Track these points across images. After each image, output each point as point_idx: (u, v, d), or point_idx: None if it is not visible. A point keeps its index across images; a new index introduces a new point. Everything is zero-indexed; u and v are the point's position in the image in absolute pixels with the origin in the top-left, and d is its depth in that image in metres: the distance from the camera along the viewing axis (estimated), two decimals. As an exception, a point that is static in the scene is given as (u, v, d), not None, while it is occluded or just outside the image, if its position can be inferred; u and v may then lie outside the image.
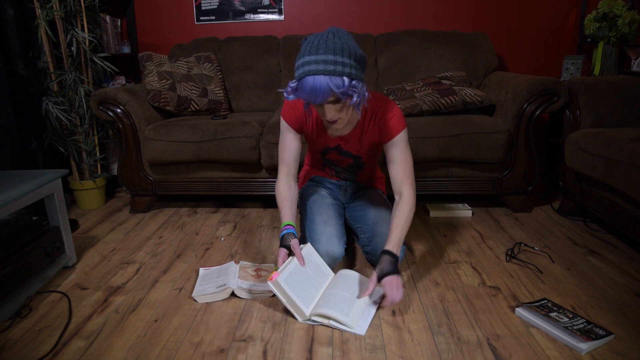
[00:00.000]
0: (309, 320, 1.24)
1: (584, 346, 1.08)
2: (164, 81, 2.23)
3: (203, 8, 2.74)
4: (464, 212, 2.04)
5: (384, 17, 2.67)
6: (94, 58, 2.17)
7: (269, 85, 2.53)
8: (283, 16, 2.72)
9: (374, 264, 1.53)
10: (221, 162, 2.06)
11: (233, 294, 1.38)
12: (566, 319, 1.19)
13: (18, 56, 2.01)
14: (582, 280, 1.44)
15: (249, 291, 1.38)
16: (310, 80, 1.13)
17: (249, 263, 1.57)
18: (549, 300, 1.29)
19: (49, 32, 2.04)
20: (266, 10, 2.72)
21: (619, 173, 1.49)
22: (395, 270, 1.26)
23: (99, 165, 2.33)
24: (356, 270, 1.53)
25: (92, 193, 2.27)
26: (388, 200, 1.67)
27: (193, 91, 2.30)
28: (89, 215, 2.18)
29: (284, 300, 1.24)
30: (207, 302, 1.35)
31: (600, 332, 1.14)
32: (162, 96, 2.19)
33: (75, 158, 2.24)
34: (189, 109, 2.28)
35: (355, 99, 1.18)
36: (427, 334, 1.17)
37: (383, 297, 1.30)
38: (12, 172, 1.54)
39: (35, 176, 1.47)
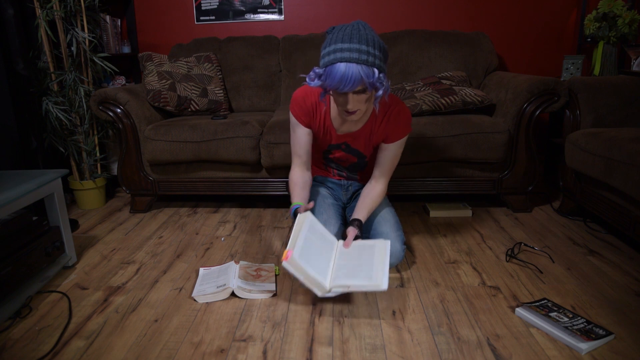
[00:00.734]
0: (328, 292, 1.22)
1: (584, 346, 1.08)
2: (164, 81, 2.23)
3: (203, 8, 2.74)
4: (464, 212, 2.04)
5: (384, 16, 2.67)
6: (94, 58, 2.17)
7: (269, 85, 2.53)
8: (283, 16, 2.72)
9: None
10: (221, 162, 2.06)
11: (233, 294, 1.38)
12: (566, 319, 1.19)
13: (18, 56, 2.01)
14: (582, 280, 1.44)
15: (249, 291, 1.38)
16: (342, 66, 1.15)
17: (249, 263, 1.57)
18: (549, 300, 1.29)
19: (49, 32, 2.04)
20: (266, 10, 2.72)
21: (619, 173, 1.49)
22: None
23: (99, 165, 2.33)
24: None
25: (92, 193, 2.27)
26: (389, 200, 1.67)
27: (193, 91, 2.30)
28: (89, 215, 2.18)
29: (301, 277, 1.22)
30: (207, 302, 1.35)
31: (601, 332, 1.14)
32: (162, 96, 2.19)
33: (75, 158, 2.24)
34: (189, 109, 2.28)
35: (380, 91, 1.21)
36: (427, 334, 1.17)
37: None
38: (12, 172, 1.54)
39: (35, 176, 1.47)
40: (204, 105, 2.31)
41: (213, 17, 2.75)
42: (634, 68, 2.25)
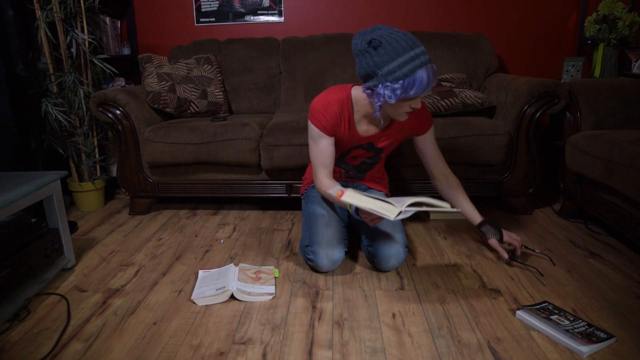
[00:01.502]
0: (400, 215, 1.22)
1: (585, 349, 1.08)
2: (163, 83, 2.23)
3: (203, 10, 2.74)
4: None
5: (384, 18, 2.67)
6: (94, 59, 2.18)
7: (269, 87, 2.53)
8: (283, 18, 2.73)
9: (375, 265, 1.53)
10: (221, 164, 2.06)
11: (232, 297, 1.38)
12: (567, 322, 1.19)
13: (18, 57, 2.01)
14: (583, 282, 1.44)
15: (249, 293, 1.37)
16: (424, 71, 1.21)
17: (249, 265, 1.57)
18: (549, 303, 1.29)
19: (48, 33, 2.04)
20: (266, 12, 2.72)
21: (620, 175, 1.49)
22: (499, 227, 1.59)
23: (98, 166, 2.33)
24: (357, 273, 1.53)
25: (92, 195, 2.27)
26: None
27: (193, 93, 2.30)
28: (88, 217, 2.18)
29: (365, 205, 1.23)
30: (206, 305, 1.35)
31: (602, 335, 1.13)
32: (161, 98, 2.19)
33: (74, 159, 2.24)
34: (189, 111, 2.28)
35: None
36: (428, 337, 1.17)
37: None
38: (11, 173, 1.54)
39: (35, 178, 1.47)
40: (204, 107, 2.31)
41: (213, 19, 2.75)
42: (635, 70, 2.25)
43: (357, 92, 1.42)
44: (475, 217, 1.59)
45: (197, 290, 1.41)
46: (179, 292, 1.43)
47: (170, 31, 2.80)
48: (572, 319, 1.21)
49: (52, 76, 2.12)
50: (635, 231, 1.51)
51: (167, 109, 2.23)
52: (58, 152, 2.26)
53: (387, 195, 1.72)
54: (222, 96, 2.38)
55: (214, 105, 2.34)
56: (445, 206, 1.22)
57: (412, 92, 1.21)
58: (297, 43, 2.53)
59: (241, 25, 2.76)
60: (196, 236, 1.90)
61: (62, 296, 1.42)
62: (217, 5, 2.72)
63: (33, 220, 1.48)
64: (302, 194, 1.74)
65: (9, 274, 1.31)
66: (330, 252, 1.44)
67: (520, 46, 2.71)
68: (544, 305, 1.28)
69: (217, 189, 2.11)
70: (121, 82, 2.62)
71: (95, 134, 2.28)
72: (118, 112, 2.04)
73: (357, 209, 1.35)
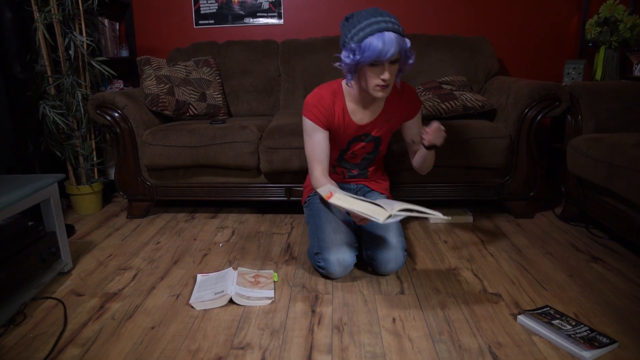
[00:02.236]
0: (390, 219, 1.20)
1: (587, 354, 1.07)
2: (162, 85, 2.24)
3: (202, 12, 2.75)
4: (465, 217, 2.04)
5: None
6: (92, 62, 2.18)
7: (268, 89, 2.54)
8: (282, 20, 2.74)
9: (374, 269, 1.53)
10: (219, 167, 2.06)
11: (231, 301, 1.38)
12: (569, 327, 1.19)
13: (16, 59, 2.02)
14: (585, 287, 1.43)
15: (247, 298, 1.37)
16: (381, 35, 1.26)
17: (248, 269, 1.56)
18: (551, 308, 1.29)
19: (46, 35, 2.05)
20: (265, 15, 2.73)
21: (622, 179, 1.49)
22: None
23: (95, 169, 2.33)
24: (356, 277, 1.53)
25: (89, 198, 2.27)
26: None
27: (191, 95, 2.30)
28: (86, 221, 2.18)
29: (353, 208, 1.23)
30: (204, 309, 1.35)
31: (604, 340, 1.13)
32: (160, 100, 2.20)
33: (72, 162, 2.24)
34: (187, 114, 2.29)
35: (411, 61, 1.36)
36: (428, 342, 1.17)
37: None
38: (9, 176, 1.54)
39: (32, 181, 1.47)
40: (203, 109, 2.32)
41: (212, 21, 2.76)
42: (636, 73, 2.26)
43: (344, 82, 1.52)
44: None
45: (195, 295, 1.41)
46: (177, 297, 1.43)
47: (169, 33, 2.81)
48: (574, 323, 1.20)
49: (50, 78, 2.12)
50: (637, 235, 1.51)
51: (165, 112, 2.23)
52: (55, 155, 2.26)
53: (389, 198, 1.72)
54: (221, 99, 2.39)
55: (213, 108, 2.35)
56: (436, 214, 1.22)
57: (367, 54, 1.28)
58: (296, 45, 2.54)
59: (240, 27, 2.77)
60: (194, 240, 1.90)
61: (59, 300, 1.41)
62: (216, 7, 2.73)
63: (30, 223, 1.48)
64: (305, 202, 1.74)
65: (5, 278, 1.31)
66: (342, 258, 1.44)
67: (521, 49, 2.72)
68: (545, 309, 1.28)
69: (215, 192, 2.11)
70: (119, 84, 2.62)
71: (93, 137, 2.28)
72: (116, 114, 2.05)
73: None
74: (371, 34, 1.27)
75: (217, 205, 2.37)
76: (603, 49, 2.33)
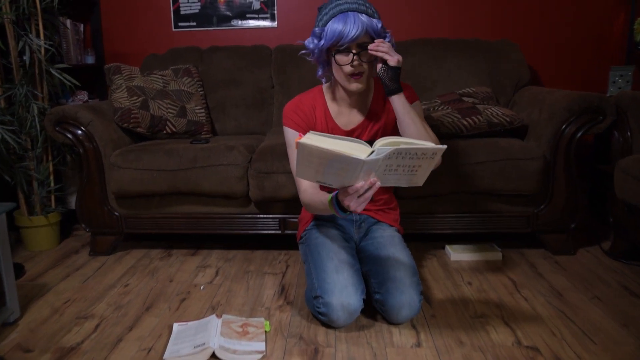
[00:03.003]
0: (373, 152, 1.13)
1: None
2: (134, 98, 2.28)
3: (182, 12, 2.82)
4: (493, 254, 2.05)
5: (393, 23, 2.73)
6: (51, 69, 2.21)
7: (260, 103, 2.59)
8: (276, 22, 2.81)
9: (385, 316, 1.53)
10: (202, 195, 2.08)
11: (214, 356, 1.38)
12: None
13: (-39, 68, 2.04)
14: None
15: (234, 352, 1.37)
16: (343, 16, 1.37)
17: (234, 317, 1.57)
18: (598, 364, 1.28)
19: (-2, 39, 2.08)
20: (256, 16, 2.81)
21: (678, 208, 1.50)
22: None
23: (53, 197, 2.35)
24: (363, 326, 1.53)
25: (44, 231, 2.28)
26: (402, 240, 1.68)
27: (169, 110, 2.35)
28: (39, 259, 2.19)
29: (328, 147, 1.12)
30: (182, 366, 1.35)
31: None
32: (132, 116, 2.24)
33: (24, 189, 2.24)
34: (164, 131, 2.33)
35: (388, 38, 1.44)
36: (451, 406, 1.17)
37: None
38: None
39: (-21, 211, 1.48)
40: (182, 126, 2.36)
41: (194, 23, 2.83)
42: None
43: (326, 85, 1.62)
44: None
45: (170, 348, 1.41)
46: (149, 351, 1.43)
47: (144, 37, 2.87)
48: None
49: None
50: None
51: (138, 129, 2.27)
52: (4, 180, 2.27)
53: (400, 233, 1.74)
54: (204, 114, 2.43)
55: (195, 125, 2.39)
56: (427, 145, 1.14)
57: (329, 36, 1.39)
58: (292, 52, 2.60)
59: (227, 30, 2.83)
60: (171, 281, 1.90)
61: (2, 358, 1.41)
62: (199, 7, 2.81)
63: (-25, 262, 1.49)
64: (301, 238, 1.76)
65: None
66: (346, 302, 1.44)
67: (556, 53, 2.76)
68: (591, 366, 1.27)
69: (196, 224, 2.13)
70: (84, 96, 2.66)
71: (50, 158, 2.30)
72: (79, 132, 2.08)
73: (337, 196, 1.31)
74: (333, 15, 1.39)
75: (198, 239, 2.38)
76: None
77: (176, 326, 1.54)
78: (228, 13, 2.81)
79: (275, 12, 2.80)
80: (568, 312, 1.60)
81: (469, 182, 1.95)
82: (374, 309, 1.61)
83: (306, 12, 2.78)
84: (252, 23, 2.82)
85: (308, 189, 1.53)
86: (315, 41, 1.46)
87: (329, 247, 1.59)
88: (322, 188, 1.58)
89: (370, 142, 1.57)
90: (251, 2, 2.79)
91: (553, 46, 2.76)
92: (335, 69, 1.48)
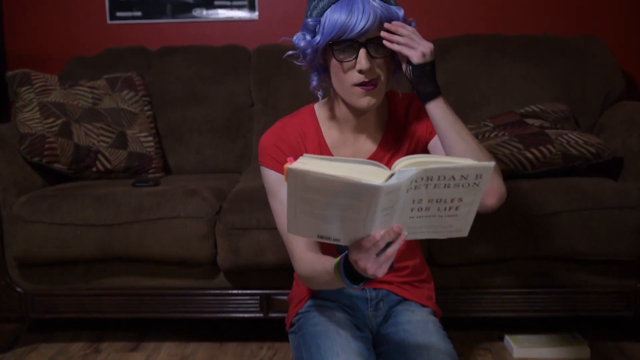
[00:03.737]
0: (392, 176, 1.10)
1: None
2: (51, 120, 2.31)
3: (122, -1, 2.85)
4: (577, 349, 2.05)
5: (427, 13, 2.80)
6: None
7: (234, 128, 2.62)
8: (257, 13, 2.86)
9: None
10: (148, 261, 2.09)
11: None
12: None
13: None
14: None
15: None
16: (347, 1, 1.32)
17: None
18: None
19: None
20: (229, 4, 2.83)
21: None
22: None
23: None
24: None
25: None
26: (444, 331, 1.70)
27: (102, 138, 2.37)
28: None
29: (333, 173, 1.05)
30: None
31: None
32: (46, 146, 2.25)
33: None
34: (94, 168, 2.35)
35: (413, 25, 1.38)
36: None
37: None
38: None
39: None
40: (121, 161, 2.38)
41: (139, 14, 2.87)
42: None
43: (321, 103, 1.58)
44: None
45: None
46: None
47: (65, 33, 2.91)
48: None
49: None
50: None
51: (55, 165, 2.29)
52: None
53: (437, 316, 1.75)
54: (152, 144, 2.47)
55: (139, 159, 2.42)
56: (466, 162, 1.10)
57: (327, 29, 1.35)
58: (279, 54, 2.62)
59: (187, 24, 2.89)
60: (100, 391, 1.90)
61: None
62: (146, -9, 2.84)
63: None
64: (292, 325, 1.75)
65: None
66: None
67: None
68: None
69: (139, 304, 2.12)
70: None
71: None
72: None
73: (347, 258, 1.31)
74: (334, 2, 1.36)
75: (140, 326, 2.35)
76: None
77: None
78: (188, 0, 2.84)
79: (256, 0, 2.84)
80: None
81: (539, 242, 1.97)
82: None
83: (296, 0, 2.80)
84: (223, 14, 2.84)
85: (306, 255, 1.52)
86: (308, 37, 1.42)
87: (333, 338, 1.58)
88: (325, 248, 1.63)
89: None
90: (222, -15, 2.81)
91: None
92: (336, 77, 1.44)
